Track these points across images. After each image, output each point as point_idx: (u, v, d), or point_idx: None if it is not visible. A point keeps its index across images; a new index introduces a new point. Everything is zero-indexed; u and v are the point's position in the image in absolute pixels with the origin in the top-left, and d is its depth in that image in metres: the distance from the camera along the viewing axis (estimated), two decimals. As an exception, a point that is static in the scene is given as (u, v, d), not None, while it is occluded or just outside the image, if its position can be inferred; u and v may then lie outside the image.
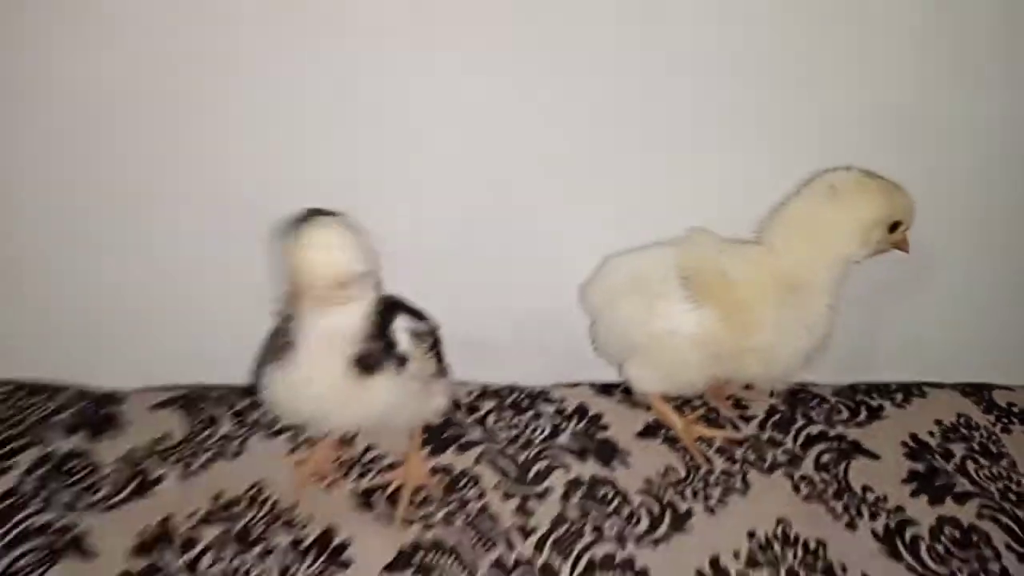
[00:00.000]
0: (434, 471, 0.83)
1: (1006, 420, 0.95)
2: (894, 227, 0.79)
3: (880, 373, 1.01)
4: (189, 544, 0.76)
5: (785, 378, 0.86)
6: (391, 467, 0.84)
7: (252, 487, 0.81)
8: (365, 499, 0.81)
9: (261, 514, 0.79)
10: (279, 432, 0.87)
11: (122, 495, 0.79)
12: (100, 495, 0.79)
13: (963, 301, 0.99)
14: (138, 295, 0.88)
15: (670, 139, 0.85)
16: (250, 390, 0.90)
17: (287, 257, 0.64)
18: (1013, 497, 0.86)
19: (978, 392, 0.99)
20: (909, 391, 0.98)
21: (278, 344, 0.69)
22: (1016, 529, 0.83)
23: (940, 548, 0.81)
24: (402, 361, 0.71)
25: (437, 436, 0.86)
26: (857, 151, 0.83)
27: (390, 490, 0.82)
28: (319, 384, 0.68)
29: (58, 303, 0.88)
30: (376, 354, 0.68)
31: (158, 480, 0.81)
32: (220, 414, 0.88)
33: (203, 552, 0.75)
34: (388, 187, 0.84)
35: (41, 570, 0.73)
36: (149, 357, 0.92)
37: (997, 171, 0.92)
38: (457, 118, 0.82)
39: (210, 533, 0.77)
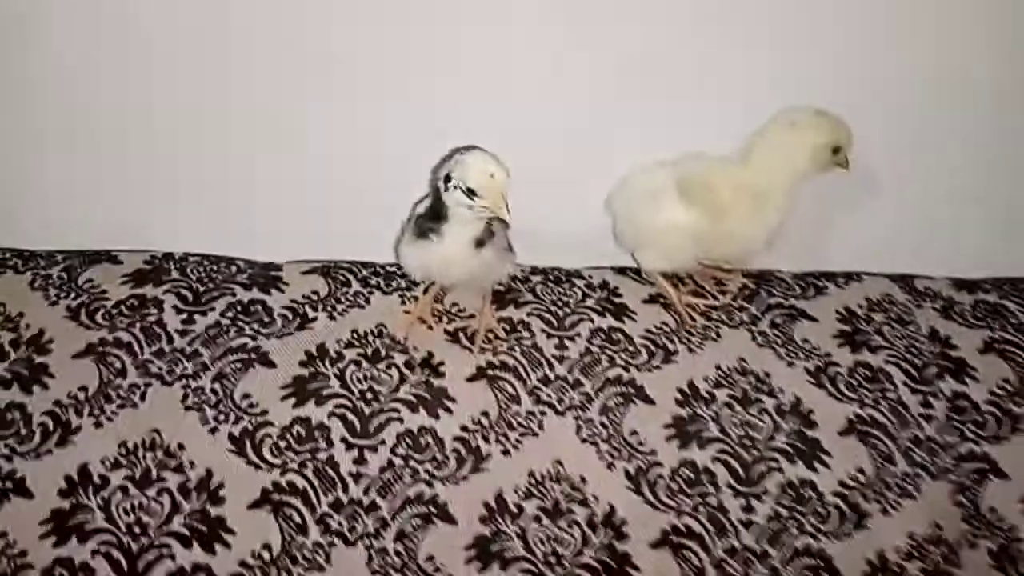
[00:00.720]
0: (499, 320, 1.20)
1: (920, 299, 1.28)
2: (837, 151, 1.11)
3: (832, 264, 1.35)
4: (339, 358, 1.14)
5: (749, 256, 1.21)
6: (471, 317, 1.20)
7: (377, 326, 1.18)
8: (453, 336, 1.18)
9: (384, 342, 1.16)
10: (391, 292, 1.23)
11: (291, 328, 1.17)
12: (276, 327, 1.17)
13: (898, 206, 1.32)
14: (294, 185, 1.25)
15: (671, 88, 1.19)
16: (368, 265, 1.27)
17: (483, 183, 0.98)
18: (914, 351, 1.20)
19: (904, 280, 1.32)
20: (850, 277, 1.31)
21: (423, 227, 1.06)
22: (913, 372, 1.18)
23: (854, 381, 1.16)
24: (492, 238, 1.07)
25: (503, 297, 1.23)
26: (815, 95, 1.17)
27: (470, 331, 1.19)
28: (455, 253, 1.05)
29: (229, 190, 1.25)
30: (484, 236, 1.05)
31: (314, 320, 1.18)
32: (350, 279, 1.25)
33: (347, 365, 1.13)
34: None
35: (238, 375, 1.12)
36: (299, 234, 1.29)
37: (931, 102, 1.24)
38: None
39: (351, 353, 1.15)
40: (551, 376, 1.14)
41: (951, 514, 1.10)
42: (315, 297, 1.21)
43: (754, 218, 1.14)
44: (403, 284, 1.24)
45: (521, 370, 1.14)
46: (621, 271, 1.29)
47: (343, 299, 1.21)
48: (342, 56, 1.16)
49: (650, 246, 1.21)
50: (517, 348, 1.17)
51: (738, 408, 1.13)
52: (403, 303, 1.21)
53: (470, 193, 0.99)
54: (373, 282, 1.24)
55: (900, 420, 1.14)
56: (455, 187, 1.00)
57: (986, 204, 1.34)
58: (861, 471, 1.10)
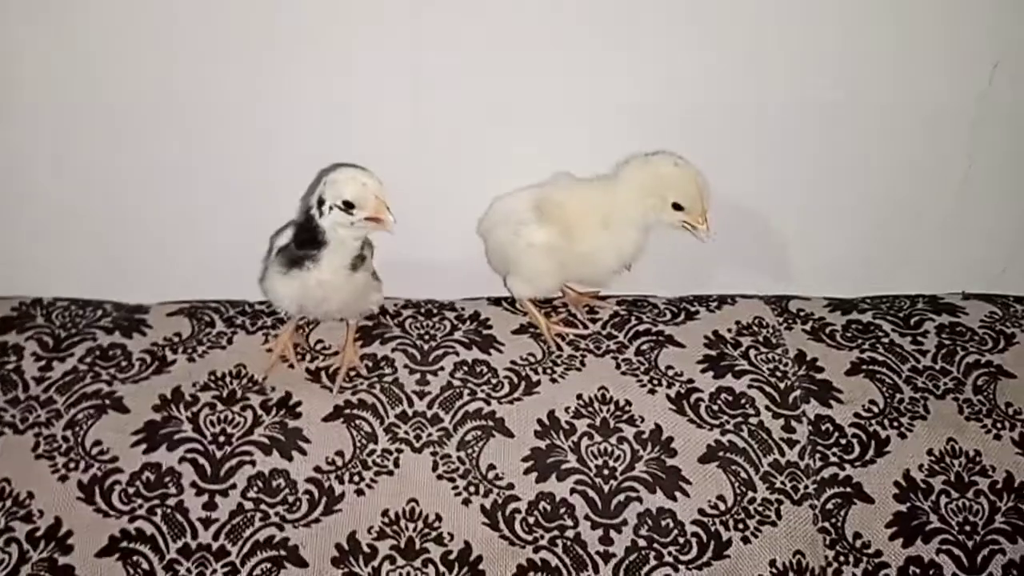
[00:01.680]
0: (363, 357, 1.19)
1: (791, 321, 1.28)
2: (678, 207, 1.11)
3: (713, 288, 1.35)
4: (192, 402, 1.13)
5: (608, 278, 1.21)
6: (335, 354, 1.20)
7: (237, 366, 1.17)
8: (314, 375, 1.17)
9: (242, 383, 1.15)
10: (255, 331, 1.22)
11: (147, 372, 1.16)
12: (132, 372, 1.16)
13: (778, 228, 1.33)
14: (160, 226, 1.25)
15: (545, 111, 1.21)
16: (235, 303, 1.26)
17: (358, 193, 0.99)
18: (779, 374, 1.20)
19: (779, 301, 1.32)
20: (724, 300, 1.31)
21: (294, 256, 1.06)
22: (775, 395, 1.18)
23: (715, 407, 1.16)
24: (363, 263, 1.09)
25: (369, 333, 1.22)
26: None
27: (331, 369, 1.18)
28: (331, 277, 1.06)
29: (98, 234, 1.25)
30: (357, 260, 1.07)
31: (172, 362, 1.17)
32: (215, 319, 1.24)
33: (201, 408, 1.12)
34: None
35: (91, 422, 1.11)
36: (166, 277, 1.29)
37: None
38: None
39: (207, 396, 1.13)
40: (409, 412, 1.13)
41: (814, 540, 1.09)
42: (176, 339, 1.20)
43: (603, 240, 1.15)
44: (269, 323, 1.23)
45: (380, 407, 1.13)
46: (496, 302, 1.29)
47: (205, 340, 1.20)
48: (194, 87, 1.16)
49: (516, 271, 1.21)
50: (377, 385, 1.16)
51: (597, 438, 1.12)
52: (265, 341, 1.20)
53: (348, 207, 1.00)
54: (238, 321, 1.23)
55: (761, 445, 1.13)
56: (331, 208, 1.01)
57: (864, 221, 1.35)
58: (721, 498, 1.10)
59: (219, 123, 1.19)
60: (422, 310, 1.27)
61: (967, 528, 1.10)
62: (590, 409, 1.15)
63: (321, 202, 1.02)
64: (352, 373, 1.17)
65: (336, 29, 1.15)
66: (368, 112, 1.20)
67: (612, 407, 1.15)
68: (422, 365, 1.18)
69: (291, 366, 1.18)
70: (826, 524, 1.11)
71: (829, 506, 1.12)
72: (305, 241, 1.05)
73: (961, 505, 1.12)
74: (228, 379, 1.16)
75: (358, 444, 1.10)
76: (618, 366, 1.20)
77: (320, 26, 1.14)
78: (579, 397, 1.16)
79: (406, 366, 1.18)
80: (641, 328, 1.25)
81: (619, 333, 1.25)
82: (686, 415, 1.15)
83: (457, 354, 1.20)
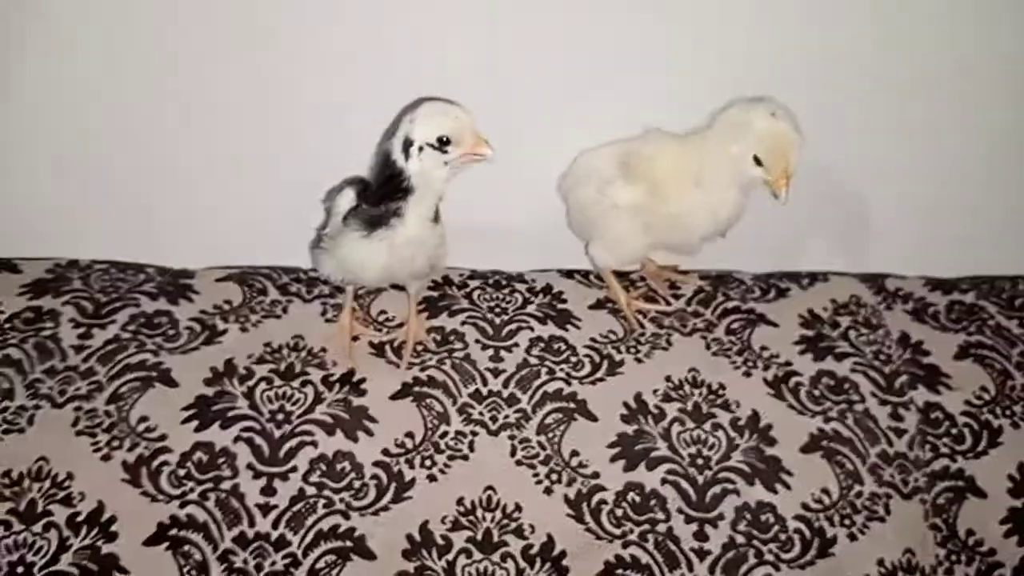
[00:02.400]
0: (430, 330, 1.09)
1: (891, 300, 1.18)
2: (758, 162, 0.98)
3: (800, 265, 1.25)
4: (247, 376, 1.03)
5: (699, 245, 1.09)
6: (400, 326, 1.10)
7: (294, 337, 1.07)
8: (378, 349, 1.07)
9: (300, 357, 1.05)
10: (311, 300, 1.12)
11: (196, 343, 1.06)
12: (180, 342, 1.06)
13: (868, 204, 1.23)
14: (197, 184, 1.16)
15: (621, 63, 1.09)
16: (288, 270, 1.16)
17: (452, 127, 0.90)
18: (883, 357, 1.10)
19: (874, 279, 1.21)
20: (815, 277, 1.21)
21: (375, 215, 0.94)
22: (881, 380, 1.08)
23: (817, 392, 1.06)
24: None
25: (435, 304, 1.12)
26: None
27: (397, 343, 1.08)
28: (420, 231, 0.95)
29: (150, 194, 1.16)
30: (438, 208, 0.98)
31: (224, 332, 1.07)
32: (267, 286, 1.14)
33: (257, 383, 1.02)
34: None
35: (136, 396, 1.01)
36: (213, 242, 1.19)
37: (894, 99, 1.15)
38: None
39: (263, 369, 1.04)
40: (484, 392, 1.03)
41: (924, 537, 1.00)
42: (227, 307, 1.10)
43: (696, 201, 1.04)
44: (326, 291, 1.13)
45: (451, 385, 1.03)
46: (569, 274, 1.19)
47: (258, 308, 1.10)
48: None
49: (598, 236, 1.11)
50: (448, 361, 1.06)
51: (690, 424, 1.03)
52: (323, 313, 1.10)
53: (443, 144, 0.91)
54: (293, 289, 1.13)
55: (868, 434, 1.04)
56: (421, 148, 0.91)
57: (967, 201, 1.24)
58: (826, 492, 1.00)
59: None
60: (490, 281, 1.16)
61: (1090, 528, 1.01)
62: (680, 392, 1.05)
63: (408, 143, 0.91)
64: (419, 347, 1.07)
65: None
66: (437, 50, 1.09)
67: (704, 391, 1.05)
68: (495, 340, 1.08)
69: (355, 338, 1.07)
70: (937, 520, 1.02)
71: (940, 501, 1.02)
72: (385, 194, 0.94)
73: (1083, 503, 1.02)
74: (286, 351, 1.06)
75: (429, 425, 1.01)
76: (708, 346, 1.10)
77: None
78: (668, 379, 1.06)
79: (477, 341, 1.08)
80: (730, 305, 1.15)
81: (706, 310, 1.15)
82: (785, 400, 1.05)
83: (532, 329, 1.10)
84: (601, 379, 1.05)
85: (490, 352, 1.07)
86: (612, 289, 1.15)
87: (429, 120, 0.91)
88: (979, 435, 1.05)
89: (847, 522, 0.99)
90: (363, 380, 1.03)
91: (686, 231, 1.06)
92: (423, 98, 0.96)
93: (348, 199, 0.97)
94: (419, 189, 0.93)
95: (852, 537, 0.99)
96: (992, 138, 1.20)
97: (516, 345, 1.08)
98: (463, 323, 1.10)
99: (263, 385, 1.02)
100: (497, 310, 1.12)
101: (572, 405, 1.03)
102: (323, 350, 1.06)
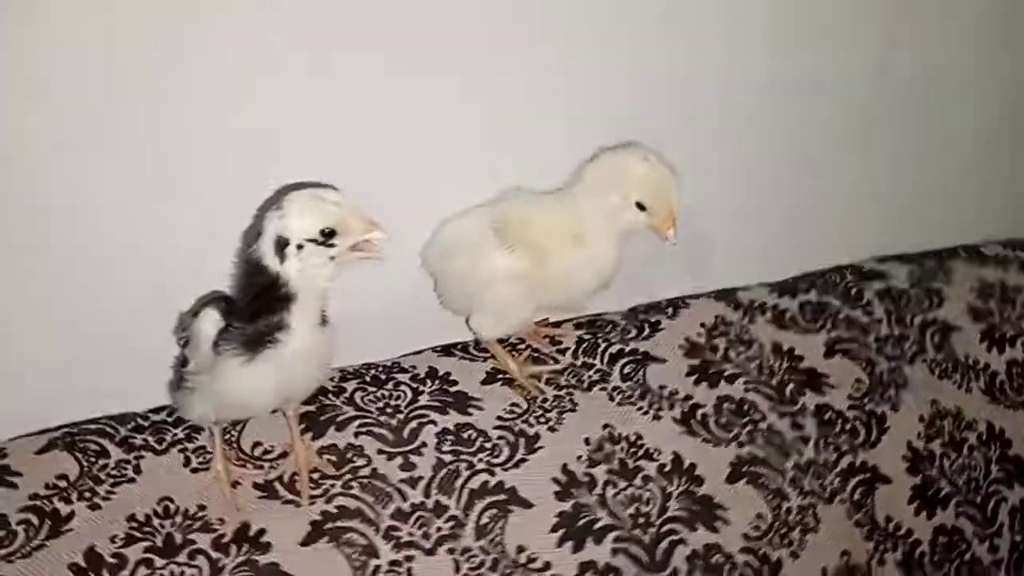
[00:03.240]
0: (321, 452, 0.95)
1: (751, 313, 1.21)
2: (641, 207, 0.97)
3: (654, 293, 1.25)
4: (119, 565, 0.83)
5: (581, 306, 1.06)
6: (283, 456, 0.94)
7: (161, 502, 0.88)
8: (266, 489, 0.92)
9: (177, 524, 0.87)
10: (165, 450, 0.94)
11: (38, 539, 0.84)
12: (17, 545, 0.83)
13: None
14: None
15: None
16: (119, 419, 0.96)
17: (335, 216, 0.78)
18: (767, 371, 1.13)
19: (726, 296, 1.24)
20: (676, 305, 1.21)
21: (257, 331, 0.80)
22: (772, 393, 1.10)
23: (724, 420, 1.06)
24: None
25: (316, 420, 0.98)
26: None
27: (288, 476, 0.93)
28: (310, 341, 0.82)
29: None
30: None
31: (70, 516, 0.86)
32: (105, 445, 0.93)
33: (135, 569, 0.83)
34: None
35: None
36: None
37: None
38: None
39: (135, 552, 0.84)
40: (406, 508, 0.92)
41: (854, 536, 1.03)
42: (64, 483, 0.88)
43: (578, 259, 1.00)
44: (180, 434, 0.95)
45: (367, 510, 0.91)
46: (446, 351, 1.10)
47: (104, 476, 0.90)
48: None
49: (480, 308, 1.03)
50: (354, 483, 0.93)
51: (621, 483, 0.98)
52: (186, 463, 0.92)
53: (328, 237, 0.79)
54: (138, 441, 0.94)
55: (778, 450, 1.05)
56: (299, 246, 0.78)
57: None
58: (760, 517, 1.01)
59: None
60: (367, 378, 1.04)
61: (974, 486, 1.10)
62: (603, 452, 1.00)
63: (283, 243, 0.78)
64: (316, 475, 0.93)
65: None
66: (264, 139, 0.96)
67: (624, 444, 1.02)
68: (399, 446, 0.97)
69: (234, 485, 0.91)
70: (859, 516, 1.06)
71: (856, 496, 1.06)
72: (260, 307, 0.80)
73: (962, 464, 1.11)
74: (157, 522, 0.87)
75: (356, 563, 0.88)
76: (611, 397, 1.06)
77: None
78: (587, 442, 1.01)
79: (381, 452, 0.96)
80: (614, 350, 1.12)
81: (595, 360, 1.11)
82: (699, 435, 1.04)
83: (435, 423, 1.00)
84: (523, 459, 0.98)
85: (399, 461, 0.95)
86: (501, 359, 1.07)
87: (305, 211, 0.78)
88: (869, 425, 1.10)
89: (786, 541, 1.00)
90: (262, 532, 0.88)
91: (571, 289, 1.02)
92: (284, 187, 0.83)
93: (213, 321, 0.82)
94: (301, 293, 0.80)
95: (794, 555, 1.00)
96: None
97: (424, 445, 0.97)
98: (357, 434, 0.97)
99: (143, 571, 0.83)
100: (389, 410, 1.00)
101: (503, 497, 0.94)
102: (202, 508, 0.88)
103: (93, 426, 0.95)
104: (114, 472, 0.91)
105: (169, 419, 0.97)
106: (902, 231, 1.43)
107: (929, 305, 1.25)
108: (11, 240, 0.90)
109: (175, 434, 0.95)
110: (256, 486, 0.92)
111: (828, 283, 1.27)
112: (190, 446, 0.94)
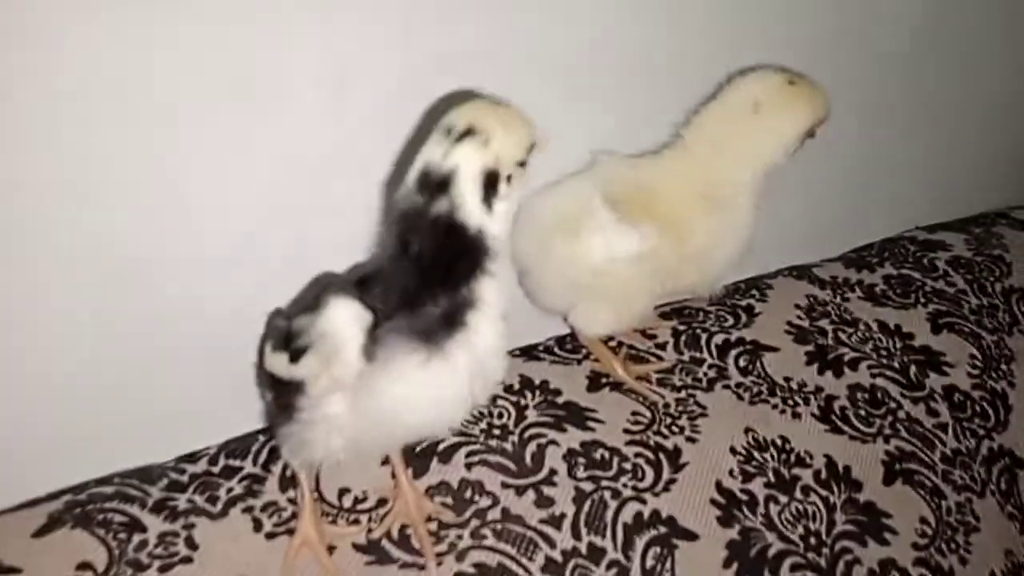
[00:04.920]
0: (429, 492, 0.73)
1: (840, 291, 1.08)
2: (811, 135, 0.82)
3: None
4: None
5: (720, 282, 0.88)
6: (380, 505, 0.71)
7: (239, 584, 0.64)
8: (373, 550, 0.68)
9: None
10: (225, 511, 0.69)
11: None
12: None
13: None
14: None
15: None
16: (138, 474, 0.70)
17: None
18: (885, 353, 0.99)
19: (804, 274, 1.10)
20: (758, 286, 1.06)
21: (438, 317, 0.55)
22: (900, 378, 0.97)
23: (862, 412, 0.92)
24: None
25: (408, 452, 0.75)
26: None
27: (397, 530, 0.70)
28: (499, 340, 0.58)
29: None
30: None
31: (116, 625, 0.60)
32: (136, 515, 0.67)
33: None
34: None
35: None
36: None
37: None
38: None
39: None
40: (556, 555, 0.71)
41: (1011, 532, 0.91)
42: (92, 576, 0.62)
43: (719, 226, 0.82)
44: (236, 488, 0.71)
45: (513, 565, 0.69)
46: (528, 354, 0.90)
47: (144, 559, 0.64)
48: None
49: (590, 299, 0.83)
50: (486, 531, 0.71)
51: (782, 498, 0.82)
52: (257, 527, 0.68)
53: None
54: (181, 504, 0.68)
55: (923, 441, 0.92)
56: (509, 175, 0.57)
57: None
58: (924, 521, 0.86)
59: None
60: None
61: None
62: (755, 463, 0.83)
63: (492, 180, 0.56)
64: (432, 525, 0.70)
65: None
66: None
67: (773, 451, 0.85)
68: (524, 475, 0.76)
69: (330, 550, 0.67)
70: (1011, 508, 0.94)
71: (1002, 486, 0.94)
72: (447, 280, 0.57)
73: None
74: (241, 615, 0.62)
75: (514, 633, 0.66)
76: (740, 396, 0.89)
77: None
78: (733, 452, 0.83)
79: (505, 485, 0.75)
80: (718, 340, 0.96)
81: (703, 353, 0.94)
82: (844, 432, 0.89)
83: (556, 443, 0.79)
84: (672, 480, 0.79)
85: (530, 495, 0.74)
86: (605, 360, 0.89)
87: (510, 126, 0.57)
88: (995, 405, 0.99)
89: (952, 546, 0.87)
90: (383, 607, 0.65)
91: (711, 265, 0.84)
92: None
93: (354, 315, 0.57)
94: (499, 244, 0.58)
95: (963, 561, 0.87)
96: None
97: (554, 472, 0.76)
98: (468, 466, 0.75)
99: None
100: (496, 431, 0.79)
101: (664, 529, 0.75)
102: (299, 585, 0.64)
103: (108, 488, 0.69)
104: (159, 552, 0.65)
105: (214, 468, 0.72)
106: (937, 199, 1.34)
107: (1000, 273, 1.16)
108: None
109: (230, 488, 0.70)
110: (358, 547, 0.68)
111: (898, 255, 1.16)
112: (255, 503, 0.70)
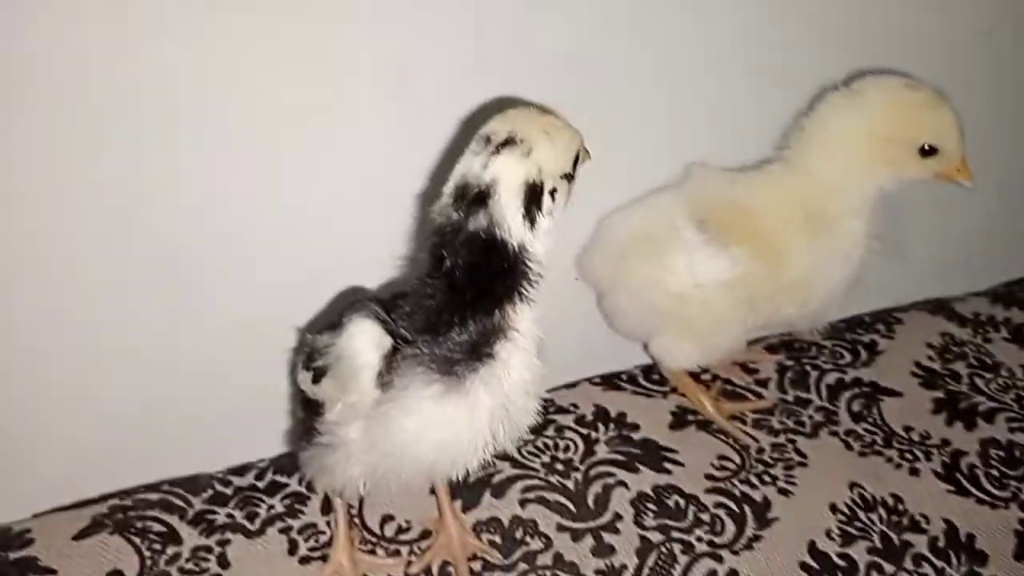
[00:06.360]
0: (477, 528, 0.67)
1: (982, 330, 0.94)
2: (927, 152, 0.72)
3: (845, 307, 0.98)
4: None
5: (823, 317, 0.78)
6: (424, 537, 0.67)
7: (265, 613, 0.60)
8: (412, 587, 0.64)
9: (290, 645, 0.59)
10: (262, 529, 0.66)
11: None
12: None
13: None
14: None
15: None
16: (184, 483, 0.69)
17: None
18: (1030, 402, 0.86)
19: (941, 308, 0.98)
20: (885, 320, 0.95)
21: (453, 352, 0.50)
22: (1044, 439, 0.83)
23: (995, 472, 0.79)
24: None
25: (463, 483, 0.70)
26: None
27: (436, 569, 0.65)
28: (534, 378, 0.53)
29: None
30: None
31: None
32: (173, 524, 0.65)
33: None
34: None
35: None
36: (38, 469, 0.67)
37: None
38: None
39: None
40: (611, 611, 0.64)
41: None
42: (120, 587, 0.60)
43: (823, 251, 0.72)
44: (278, 506, 0.67)
45: (560, 616, 0.63)
46: (608, 383, 0.83)
47: (176, 573, 0.61)
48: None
49: (673, 329, 0.75)
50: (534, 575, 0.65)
51: (888, 568, 0.71)
52: (291, 550, 0.64)
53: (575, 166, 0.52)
54: (219, 518, 0.66)
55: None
56: (554, 188, 0.51)
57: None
58: (1069, 607, 0.72)
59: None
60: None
61: None
62: (858, 525, 0.72)
63: (536, 193, 0.50)
64: (476, 565, 0.65)
65: None
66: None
67: (882, 512, 0.74)
68: (585, 518, 0.69)
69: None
70: None
71: None
72: (476, 305, 0.51)
73: None
74: (260, 644, 0.59)
75: None
76: (848, 445, 0.79)
77: None
78: (833, 509, 0.73)
79: (561, 528, 0.68)
80: (830, 380, 0.85)
81: (809, 393, 0.83)
82: (971, 495, 0.77)
83: (625, 485, 0.72)
84: (756, 536, 0.70)
85: (588, 541, 0.67)
86: (692, 396, 0.80)
87: (556, 136, 0.51)
88: None
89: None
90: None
91: (812, 296, 0.74)
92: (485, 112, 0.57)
93: (372, 338, 0.52)
94: (539, 267, 0.52)
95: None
96: None
97: (619, 518, 0.69)
98: (523, 502, 0.69)
99: None
100: (559, 466, 0.72)
101: (743, 594, 0.66)
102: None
103: (153, 496, 0.68)
104: (190, 567, 0.62)
105: (260, 483, 0.69)
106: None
107: None
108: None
109: (271, 506, 0.67)
110: (396, 584, 0.64)
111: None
112: (294, 524, 0.67)
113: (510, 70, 0.68)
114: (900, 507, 0.74)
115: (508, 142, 0.50)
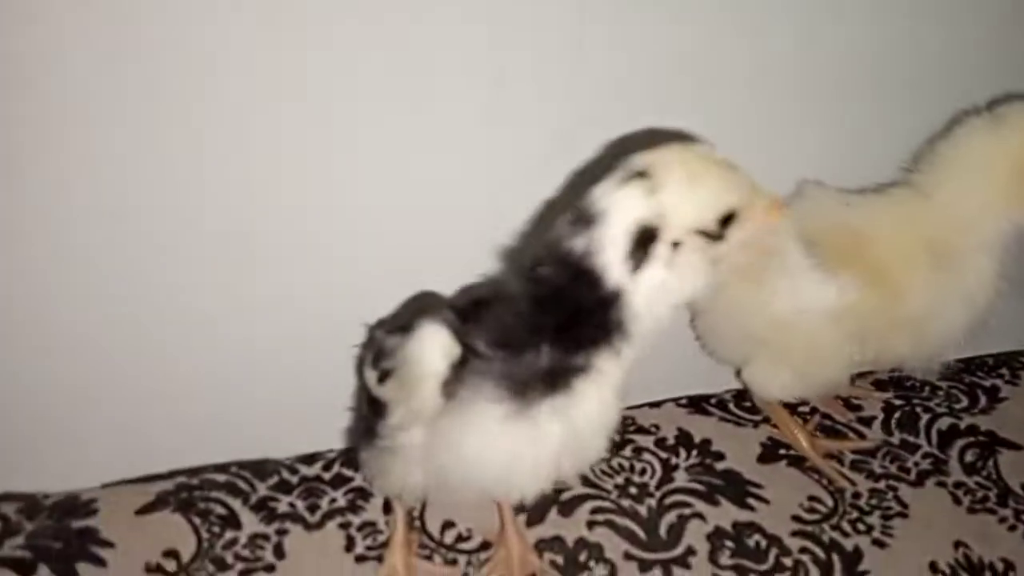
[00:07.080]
0: (539, 546, 0.64)
1: (1124, 384, 0.85)
2: None
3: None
4: None
5: (940, 358, 0.71)
6: (484, 548, 0.64)
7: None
8: (464, 600, 0.61)
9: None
10: (322, 523, 0.65)
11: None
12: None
13: None
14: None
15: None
16: (250, 466, 0.68)
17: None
18: None
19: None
20: (1010, 365, 0.86)
21: (528, 376, 0.48)
22: None
23: None
24: None
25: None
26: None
27: (492, 580, 0.62)
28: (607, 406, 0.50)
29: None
30: None
31: (179, 621, 0.57)
32: (235, 507, 0.65)
33: None
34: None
35: None
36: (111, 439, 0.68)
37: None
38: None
39: None
40: (675, 653, 0.59)
41: None
42: (173, 568, 0.60)
43: (945, 288, 0.65)
44: (340, 500, 0.66)
45: (618, 652, 0.59)
46: (695, 406, 0.78)
47: (229, 557, 0.61)
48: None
49: (771, 355, 0.69)
50: (594, 603, 0.61)
51: (993, 646, 0.63)
52: (348, 546, 0.63)
53: (724, 225, 0.47)
54: (281, 506, 0.65)
55: None
56: (679, 241, 0.46)
57: None
58: None
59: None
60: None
61: None
62: (961, 589, 0.65)
63: (647, 238, 0.46)
64: (534, 583, 0.61)
65: None
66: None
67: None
68: (652, 548, 0.65)
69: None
70: None
71: None
72: (560, 335, 0.48)
73: None
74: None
75: None
76: (957, 499, 0.72)
77: None
78: (934, 569, 0.66)
79: (628, 556, 0.64)
80: (942, 425, 0.78)
81: (919, 438, 0.76)
82: (1097, 570, 0.68)
83: (702, 518, 0.67)
84: (842, 591, 0.64)
85: (656, 574, 0.63)
86: (785, 429, 0.75)
87: (698, 184, 0.46)
88: None
89: None
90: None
91: (926, 336, 0.67)
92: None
93: (441, 345, 0.49)
94: (639, 322, 0.47)
95: None
96: None
97: (691, 553, 0.64)
98: (591, 524, 0.65)
99: None
100: (633, 489, 0.68)
101: (824, 655, 0.61)
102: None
103: (221, 477, 0.67)
104: (246, 553, 0.62)
105: (326, 474, 0.68)
106: None
107: None
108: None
109: (334, 499, 0.66)
110: (449, 592, 0.61)
111: None
112: (355, 520, 0.65)
113: (610, 72, 0.64)
114: (1011, 574, 0.67)
115: (639, 174, 0.46)
